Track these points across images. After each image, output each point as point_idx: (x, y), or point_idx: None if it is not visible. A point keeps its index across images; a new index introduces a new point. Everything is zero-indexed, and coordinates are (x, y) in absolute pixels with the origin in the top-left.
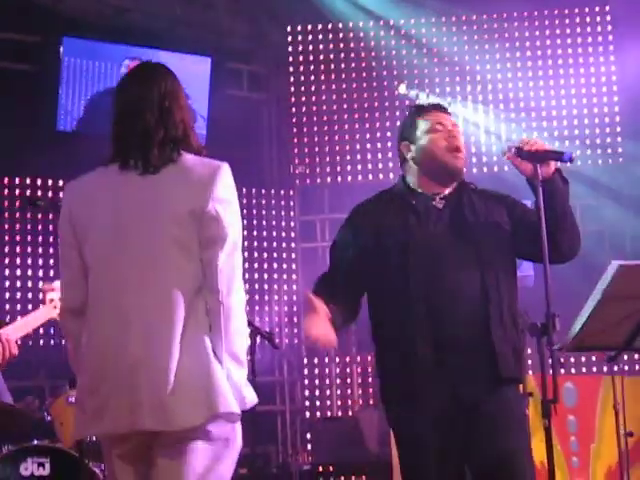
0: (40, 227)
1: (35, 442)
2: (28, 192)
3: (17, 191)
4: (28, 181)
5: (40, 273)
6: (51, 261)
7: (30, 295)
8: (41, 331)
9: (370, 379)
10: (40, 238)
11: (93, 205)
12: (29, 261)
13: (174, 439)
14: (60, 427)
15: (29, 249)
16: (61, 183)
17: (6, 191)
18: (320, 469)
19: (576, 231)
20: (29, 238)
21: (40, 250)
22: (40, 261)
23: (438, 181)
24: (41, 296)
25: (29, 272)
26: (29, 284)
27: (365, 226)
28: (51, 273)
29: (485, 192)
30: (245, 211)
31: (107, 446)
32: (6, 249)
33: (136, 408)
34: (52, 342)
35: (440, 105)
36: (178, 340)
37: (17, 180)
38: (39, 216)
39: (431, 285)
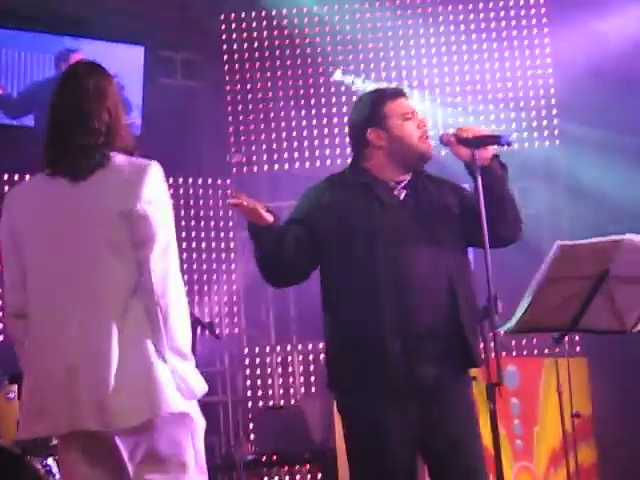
0: None
1: None
2: None
3: None
4: None
5: None
6: None
7: None
8: None
9: (312, 367)
10: None
11: (30, 212)
12: None
13: (125, 438)
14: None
15: None
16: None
17: None
18: (264, 459)
19: (517, 216)
20: None
21: None
22: None
23: (405, 169)
24: None
25: None
26: None
27: (325, 206)
28: None
29: (435, 178)
30: (182, 201)
31: (60, 446)
32: None
33: (74, 409)
34: None
35: (403, 91)
36: (115, 340)
37: None
38: None
39: (399, 272)
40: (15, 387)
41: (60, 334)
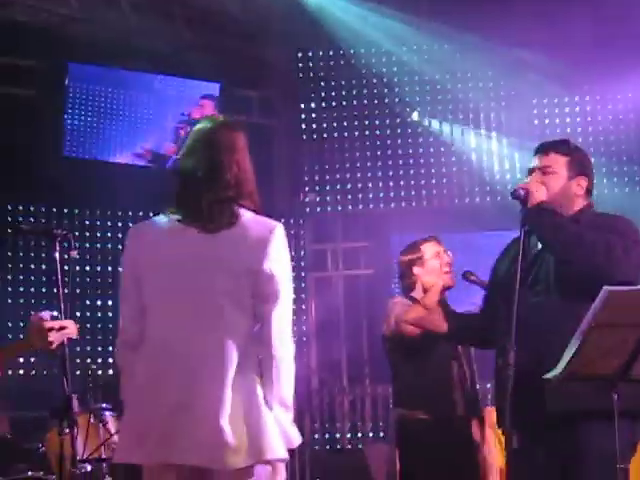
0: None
1: (29, 473)
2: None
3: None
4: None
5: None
6: (32, 289)
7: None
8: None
9: (380, 411)
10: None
11: (154, 250)
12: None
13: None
14: (53, 459)
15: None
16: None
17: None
18: None
19: (579, 257)
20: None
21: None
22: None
23: None
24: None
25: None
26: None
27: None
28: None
29: None
30: None
31: (150, 476)
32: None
33: (178, 443)
34: (33, 372)
35: (538, 147)
36: (229, 384)
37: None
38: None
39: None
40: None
41: (176, 371)
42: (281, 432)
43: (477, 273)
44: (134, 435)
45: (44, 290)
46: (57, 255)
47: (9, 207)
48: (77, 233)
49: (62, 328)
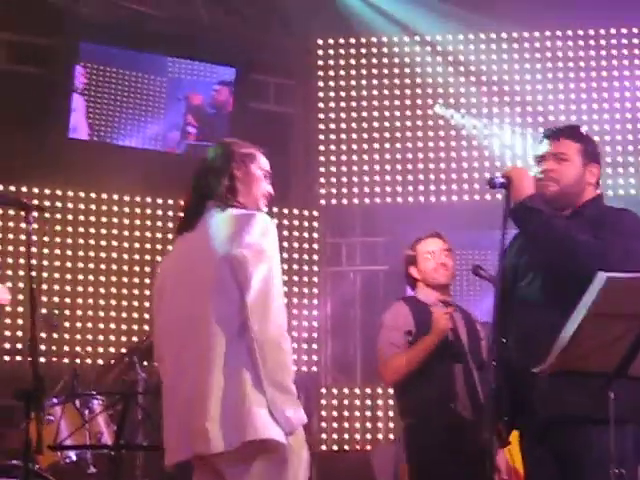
0: None
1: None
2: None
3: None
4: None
5: None
6: None
7: None
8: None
9: (391, 413)
10: None
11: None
12: None
13: (226, 463)
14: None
15: None
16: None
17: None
18: None
19: (562, 257)
20: None
21: None
22: None
23: None
24: None
25: None
26: None
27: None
28: None
29: None
30: None
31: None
32: None
33: (187, 437)
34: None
35: (548, 132)
36: (218, 374)
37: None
38: None
39: None
40: (57, 410)
41: (180, 377)
42: (278, 415)
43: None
44: (165, 440)
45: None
46: (28, 227)
47: (12, 188)
48: (82, 217)
49: None
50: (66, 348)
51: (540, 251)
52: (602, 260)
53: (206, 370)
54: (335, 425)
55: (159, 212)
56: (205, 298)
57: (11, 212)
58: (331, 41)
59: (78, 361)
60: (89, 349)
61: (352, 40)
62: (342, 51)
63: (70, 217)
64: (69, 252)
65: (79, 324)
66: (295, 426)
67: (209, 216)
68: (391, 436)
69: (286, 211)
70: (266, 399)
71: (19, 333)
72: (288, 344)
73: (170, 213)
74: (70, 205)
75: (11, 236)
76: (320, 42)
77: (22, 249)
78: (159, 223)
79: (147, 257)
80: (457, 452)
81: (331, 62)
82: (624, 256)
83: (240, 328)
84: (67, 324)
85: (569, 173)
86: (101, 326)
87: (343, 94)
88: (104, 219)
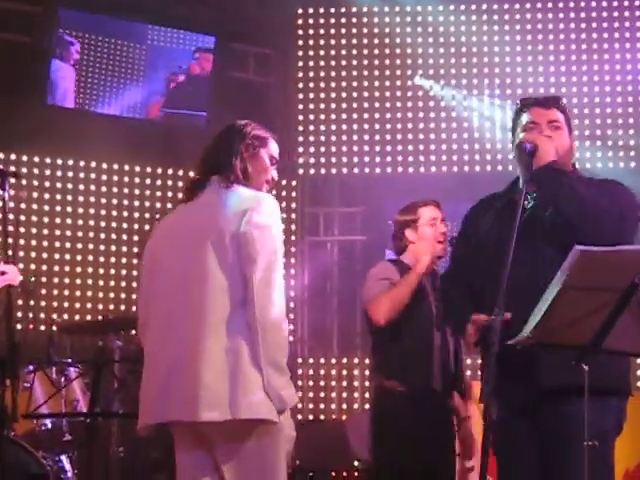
0: None
1: None
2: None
3: None
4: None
5: None
6: None
7: None
8: None
9: (367, 383)
10: None
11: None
12: None
13: (216, 434)
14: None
15: None
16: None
17: None
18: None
19: (595, 218)
20: None
21: None
22: None
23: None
24: None
25: None
26: None
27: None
28: None
29: None
30: None
31: (174, 435)
32: None
33: (168, 403)
34: None
35: (541, 100)
36: (213, 345)
37: None
38: None
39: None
40: (32, 377)
41: (168, 338)
42: (272, 394)
43: None
44: (142, 403)
45: None
46: (5, 194)
47: None
48: (59, 185)
49: (2, 273)
50: (42, 315)
51: (561, 213)
52: (619, 228)
53: (201, 334)
54: (311, 395)
55: (137, 180)
56: (206, 269)
57: None
58: (311, 10)
59: (54, 328)
60: (66, 316)
61: (332, 10)
62: (322, 21)
63: (47, 184)
64: (46, 219)
65: (56, 291)
66: (287, 406)
67: (211, 190)
68: (367, 406)
69: None
70: (262, 377)
71: None
72: (286, 325)
73: (148, 181)
74: (47, 172)
75: None
76: (300, 11)
77: None
78: (136, 191)
79: (124, 225)
80: (422, 419)
81: (311, 32)
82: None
83: (241, 303)
84: (44, 291)
85: (564, 141)
86: (78, 294)
87: (322, 64)
88: (81, 186)
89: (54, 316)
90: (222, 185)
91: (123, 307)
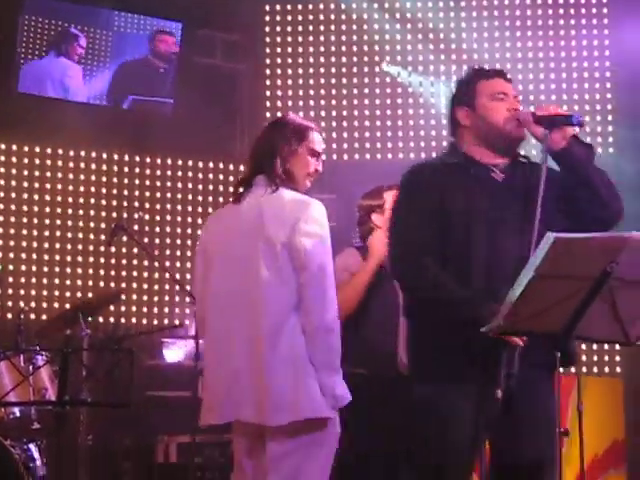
0: None
1: None
2: None
3: None
4: None
5: None
6: None
7: None
8: None
9: None
10: None
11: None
12: None
13: (273, 435)
14: None
15: None
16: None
17: None
18: None
19: (612, 196)
20: None
21: None
22: None
23: (495, 151)
24: None
25: None
26: None
27: (430, 190)
28: None
29: (535, 165)
30: (211, 187)
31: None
32: None
33: (236, 404)
34: None
35: (503, 72)
36: (272, 350)
37: None
38: None
39: (490, 254)
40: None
41: (228, 342)
42: (326, 393)
43: None
44: (205, 402)
45: None
46: None
47: None
48: (26, 172)
49: None
50: (9, 303)
51: (586, 184)
52: (620, 213)
53: (260, 338)
54: None
55: (104, 167)
56: (259, 277)
57: None
58: None
59: (22, 316)
60: (33, 304)
61: None
62: (289, 7)
63: (14, 171)
64: (13, 207)
65: (23, 279)
66: (341, 404)
67: (259, 194)
68: None
69: (232, 167)
70: (317, 378)
71: None
72: (338, 327)
73: (115, 168)
74: (13, 159)
75: None
76: None
77: None
78: (104, 178)
79: (92, 212)
80: (385, 405)
81: (278, 17)
82: None
83: (294, 309)
84: (11, 279)
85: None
86: (45, 281)
87: (290, 50)
88: (48, 174)
89: (21, 304)
90: (267, 188)
91: (90, 295)
